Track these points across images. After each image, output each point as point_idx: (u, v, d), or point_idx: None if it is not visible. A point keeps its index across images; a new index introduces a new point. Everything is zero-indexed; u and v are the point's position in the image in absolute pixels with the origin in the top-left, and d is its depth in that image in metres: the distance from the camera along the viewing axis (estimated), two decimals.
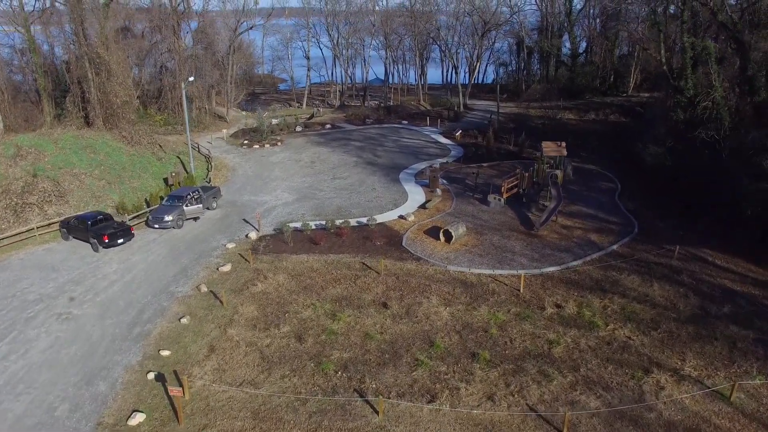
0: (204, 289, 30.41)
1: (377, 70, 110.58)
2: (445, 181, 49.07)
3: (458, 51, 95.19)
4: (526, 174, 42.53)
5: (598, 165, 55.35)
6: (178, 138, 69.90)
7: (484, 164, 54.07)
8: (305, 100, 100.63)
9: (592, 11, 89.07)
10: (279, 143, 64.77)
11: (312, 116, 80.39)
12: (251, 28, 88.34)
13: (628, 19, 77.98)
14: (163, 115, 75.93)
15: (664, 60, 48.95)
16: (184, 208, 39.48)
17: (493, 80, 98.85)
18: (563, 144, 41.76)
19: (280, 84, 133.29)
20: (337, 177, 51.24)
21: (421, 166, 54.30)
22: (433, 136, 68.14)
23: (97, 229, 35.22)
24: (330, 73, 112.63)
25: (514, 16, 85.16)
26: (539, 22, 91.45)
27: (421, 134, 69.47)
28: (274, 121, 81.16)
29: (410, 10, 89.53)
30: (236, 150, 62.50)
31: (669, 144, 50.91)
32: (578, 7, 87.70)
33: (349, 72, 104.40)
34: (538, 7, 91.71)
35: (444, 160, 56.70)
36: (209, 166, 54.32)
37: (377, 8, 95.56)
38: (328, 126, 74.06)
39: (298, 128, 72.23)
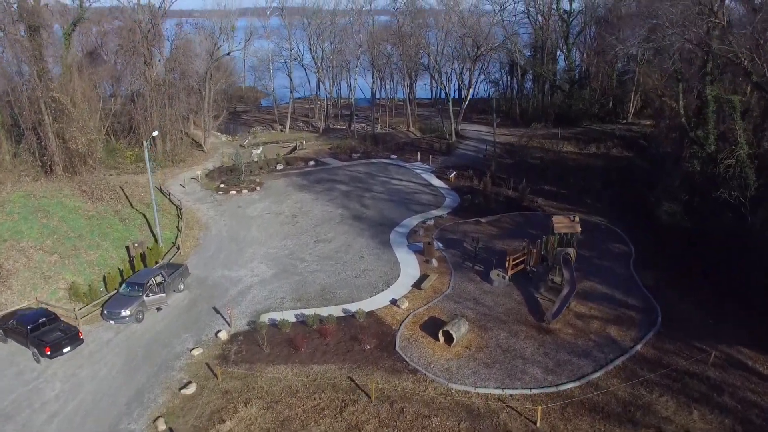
0: (162, 427, 25.38)
1: (364, 85, 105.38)
2: (440, 245, 44.31)
3: (450, 75, 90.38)
4: (534, 250, 37.83)
5: (605, 216, 50.88)
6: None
7: (483, 219, 49.33)
8: (288, 121, 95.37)
9: (590, 33, 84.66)
10: (258, 187, 59.59)
11: (294, 149, 75.24)
12: (229, 53, 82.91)
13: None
14: (134, 150, 70.38)
15: (682, 111, 44.47)
16: (145, 298, 34.33)
17: (489, 104, 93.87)
18: (576, 219, 37.21)
19: (263, 99, 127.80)
20: (320, 239, 46.26)
21: (414, 221, 49.49)
22: (424, 176, 63.34)
23: (39, 336, 30.03)
24: (314, 88, 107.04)
25: (508, 39, 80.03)
26: (533, 41, 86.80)
27: (411, 173, 64.64)
28: (255, 152, 76.09)
29: (398, 32, 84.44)
30: (211, 197, 57.24)
31: (684, 198, 46.74)
32: (576, 29, 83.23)
33: (333, 90, 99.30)
34: (532, 28, 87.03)
35: (438, 212, 51.88)
36: (179, 223, 49.06)
37: (363, 28, 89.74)
38: (311, 163, 68.92)
39: (279, 166, 67.05)
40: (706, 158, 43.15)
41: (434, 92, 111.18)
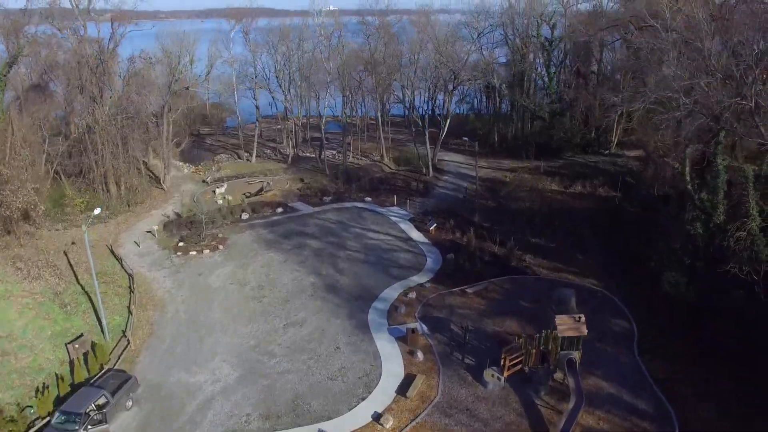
0: None
1: (336, 103, 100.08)
2: (424, 327, 39.81)
3: (426, 105, 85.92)
4: (533, 350, 33.56)
5: (598, 276, 47.11)
6: (104, 229, 58.88)
7: (469, 290, 44.89)
8: (255, 149, 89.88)
9: (571, 62, 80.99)
10: (220, 246, 54.23)
11: (261, 191, 69.86)
12: (188, 88, 77.07)
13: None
14: (85, 197, 64.32)
15: (688, 178, 40.71)
16: None
17: (465, 128, 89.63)
18: (582, 319, 33.05)
19: (228, 119, 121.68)
20: (291, 320, 41.25)
21: (394, 293, 44.82)
22: (402, 225, 58.77)
23: None
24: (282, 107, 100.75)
25: (486, 69, 75.73)
26: (512, 69, 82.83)
27: (388, 222, 59.98)
28: (218, 191, 70.80)
29: (370, 59, 79.52)
30: (168, 260, 51.70)
31: (687, 262, 43.11)
32: (559, 57, 79.57)
33: (302, 111, 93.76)
34: (511, 55, 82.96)
35: (419, 278, 47.29)
36: (132, 301, 43.58)
37: (333, 55, 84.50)
38: (279, 210, 63.65)
39: (244, 215, 61.72)
40: (714, 228, 39.48)
41: (406, 110, 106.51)
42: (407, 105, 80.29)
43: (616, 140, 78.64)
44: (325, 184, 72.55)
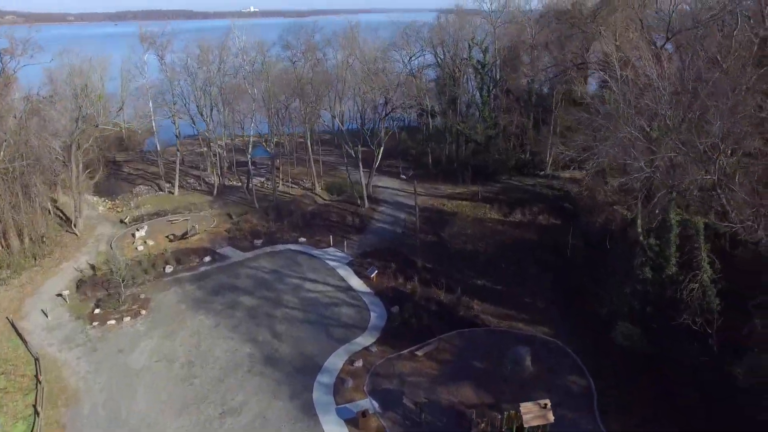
0: None
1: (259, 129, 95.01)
2: (375, 405, 36.70)
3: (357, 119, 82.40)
4: None
5: (550, 323, 45.59)
6: (4, 295, 52.35)
7: (419, 353, 42.07)
8: (177, 179, 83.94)
9: (504, 84, 79.85)
10: (143, 310, 49.01)
11: (186, 234, 64.56)
12: (98, 125, 70.39)
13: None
14: None
15: (640, 230, 39.49)
16: None
17: (398, 149, 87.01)
18: (548, 405, 30.93)
19: (147, 140, 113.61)
20: (228, 407, 36.94)
21: (338, 361, 41.34)
22: (341, 271, 55.37)
23: None
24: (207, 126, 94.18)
25: (419, 94, 73.20)
26: (444, 92, 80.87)
27: (325, 268, 56.39)
28: (138, 235, 65.09)
29: (297, 85, 75.40)
30: (83, 333, 46.02)
31: (637, 307, 42.19)
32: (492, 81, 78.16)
33: (225, 137, 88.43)
34: (443, 79, 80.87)
35: (364, 340, 44.05)
36: (38, 396, 38.03)
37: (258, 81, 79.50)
38: (207, 258, 58.74)
39: (168, 268, 56.46)
40: (666, 280, 38.52)
41: (336, 124, 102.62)
42: (336, 130, 76.26)
43: (550, 161, 78.17)
44: (255, 223, 68.02)
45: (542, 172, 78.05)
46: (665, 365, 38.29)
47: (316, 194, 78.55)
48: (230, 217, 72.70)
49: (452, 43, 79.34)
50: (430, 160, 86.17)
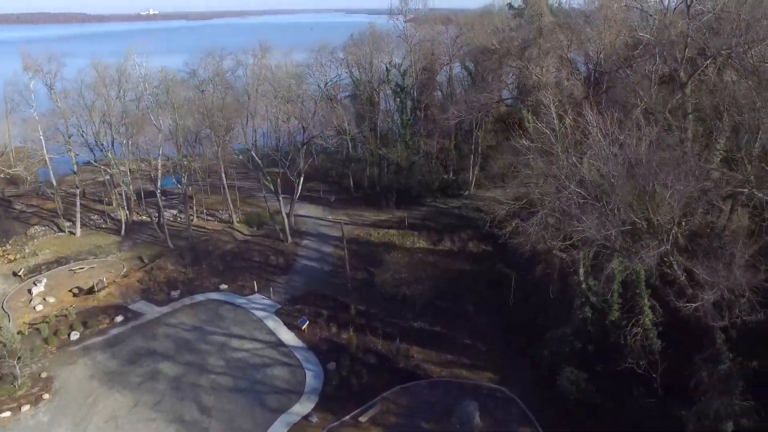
0: None
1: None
2: None
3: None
4: None
5: (496, 371, 44.19)
6: None
7: (362, 419, 39.41)
8: (78, 216, 76.56)
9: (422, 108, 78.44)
10: (45, 393, 43.32)
11: (93, 289, 58.47)
12: None
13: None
14: None
15: (582, 278, 38.72)
16: None
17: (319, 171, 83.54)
18: None
19: (42, 170, 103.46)
20: None
21: None
22: (269, 323, 51.72)
23: None
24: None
25: (339, 124, 70.18)
26: (362, 116, 78.45)
27: (252, 320, 52.55)
28: (35, 290, 58.59)
29: (206, 113, 70.41)
30: None
31: (578, 347, 41.73)
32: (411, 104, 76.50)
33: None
34: (361, 103, 78.36)
35: (302, 407, 40.85)
36: None
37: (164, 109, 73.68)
38: (119, 318, 53.21)
39: (74, 334, 50.59)
40: (609, 325, 38.03)
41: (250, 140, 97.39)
42: (251, 157, 71.66)
43: (473, 181, 77.78)
44: (171, 269, 62.81)
45: (466, 193, 77.49)
46: (613, 409, 37.88)
47: (235, 229, 73.97)
48: (142, 260, 67.08)
49: (367, 62, 77.04)
50: (352, 183, 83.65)
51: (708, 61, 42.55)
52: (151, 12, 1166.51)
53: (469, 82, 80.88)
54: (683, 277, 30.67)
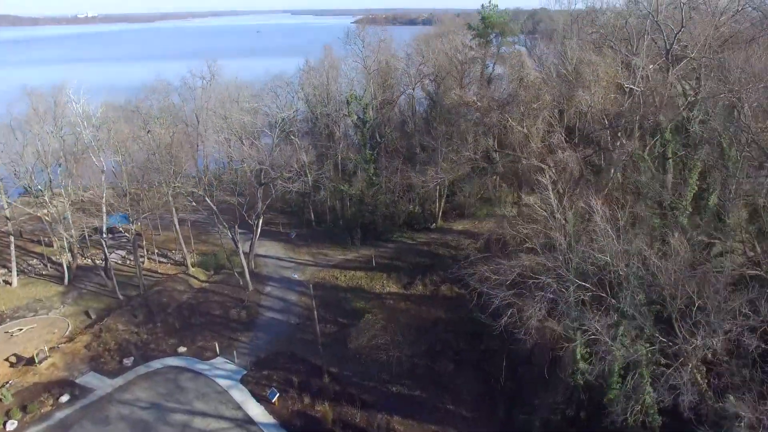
0: None
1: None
2: None
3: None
4: None
5: None
6: None
7: None
8: (14, 263, 69.97)
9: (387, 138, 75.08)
10: None
11: (33, 360, 52.73)
12: None
13: None
14: None
15: (579, 357, 36.13)
16: None
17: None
18: None
19: None
20: None
21: None
22: (235, 394, 47.41)
23: None
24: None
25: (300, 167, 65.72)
26: (322, 151, 74.58)
27: (216, 391, 48.05)
28: None
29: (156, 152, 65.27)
30: None
31: (570, 414, 39.38)
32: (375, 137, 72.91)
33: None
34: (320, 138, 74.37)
35: None
36: None
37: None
38: (64, 398, 47.62)
39: (11, 425, 44.92)
40: (607, 403, 35.61)
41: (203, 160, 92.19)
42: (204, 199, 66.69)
43: (440, 213, 75.02)
44: (122, 329, 57.54)
45: (433, 225, 74.67)
46: None
47: (190, 275, 68.96)
48: (89, 316, 61.75)
49: (325, 93, 73.24)
50: (313, 216, 79.63)
51: (688, 109, 40.94)
52: (90, 14, 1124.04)
53: (431, 107, 78.11)
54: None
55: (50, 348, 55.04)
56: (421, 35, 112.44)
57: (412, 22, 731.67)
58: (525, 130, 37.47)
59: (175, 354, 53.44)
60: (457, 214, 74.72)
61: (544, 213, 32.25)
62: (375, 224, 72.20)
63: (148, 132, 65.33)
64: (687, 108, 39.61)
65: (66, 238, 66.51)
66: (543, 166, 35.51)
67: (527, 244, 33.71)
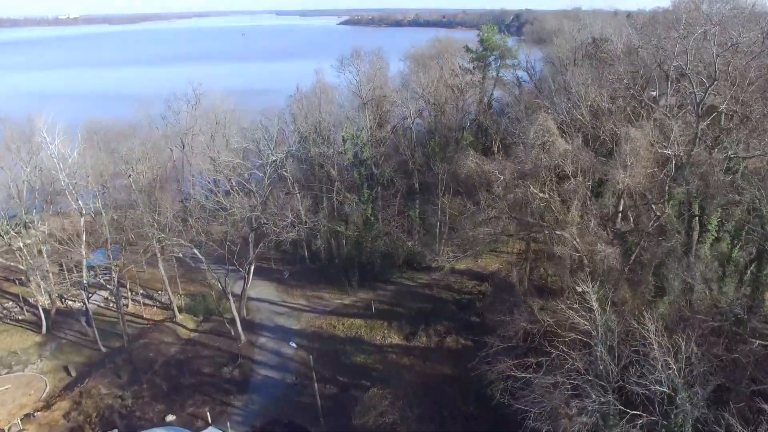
0: None
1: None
2: None
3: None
4: None
5: None
6: None
7: None
8: None
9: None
10: None
11: None
12: None
13: None
14: None
15: None
16: None
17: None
18: None
19: None
20: None
21: None
22: None
23: None
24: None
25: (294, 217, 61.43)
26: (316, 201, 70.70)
27: None
28: None
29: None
30: None
31: None
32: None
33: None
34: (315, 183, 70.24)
35: None
36: None
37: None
38: None
39: None
40: None
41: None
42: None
43: (441, 251, 71.38)
44: (104, 392, 53.31)
45: (434, 264, 71.04)
46: None
47: (177, 323, 64.75)
48: (68, 373, 57.64)
49: (316, 125, 69.35)
50: (307, 253, 75.70)
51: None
52: (71, 16, 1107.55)
53: (429, 137, 74.51)
54: None
55: (25, 416, 50.80)
56: (415, 53, 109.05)
57: (398, 23, 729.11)
58: (559, 215, 33.73)
59: (163, 423, 49.30)
60: (460, 250, 71.04)
61: (582, 320, 28.67)
62: (373, 264, 68.42)
63: (129, 177, 60.90)
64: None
65: (43, 287, 61.90)
66: (580, 255, 32.08)
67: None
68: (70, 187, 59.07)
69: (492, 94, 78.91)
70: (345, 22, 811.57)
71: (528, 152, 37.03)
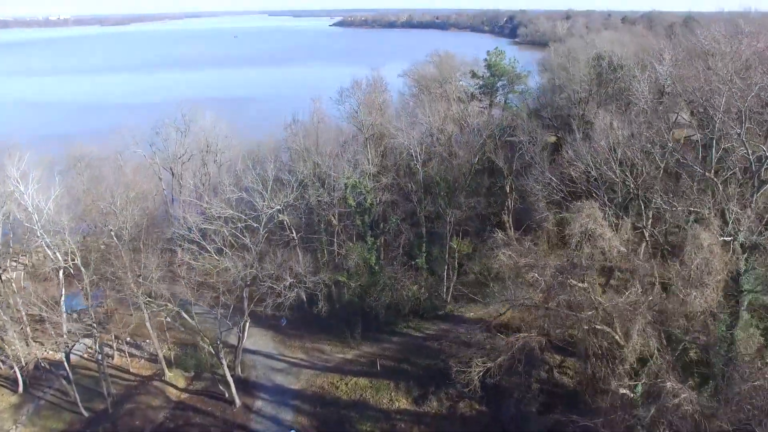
0: None
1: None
2: None
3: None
4: None
5: None
6: None
7: None
8: None
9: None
10: None
11: None
12: None
13: None
14: None
15: None
16: None
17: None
18: None
19: None
20: None
21: None
22: None
23: None
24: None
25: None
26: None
27: None
28: None
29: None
30: None
31: None
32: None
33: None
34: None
35: None
36: None
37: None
38: None
39: None
40: None
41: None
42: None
43: (449, 296, 66.82)
44: None
45: (442, 312, 66.36)
46: None
47: (166, 382, 59.78)
48: None
49: (312, 166, 64.46)
50: (305, 297, 70.67)
51: None
52: (62, 17, 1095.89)
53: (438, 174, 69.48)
54: None
55: None
56: (415, 72, 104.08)
57: (391, 24, 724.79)
58: (619, 338, 28.57)
59: None
60: (469, 296, 66.35)
61: None
62: (377, 313, 63.56)
63: (111, 231, 55.75)
64: None
65: (19, 352, 56.79)
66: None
67: None
68: (46, 238, 53.98)
69: (503, 128, 73.37)
70: (338, 24, 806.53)
71: (571, 243, 32.27)
